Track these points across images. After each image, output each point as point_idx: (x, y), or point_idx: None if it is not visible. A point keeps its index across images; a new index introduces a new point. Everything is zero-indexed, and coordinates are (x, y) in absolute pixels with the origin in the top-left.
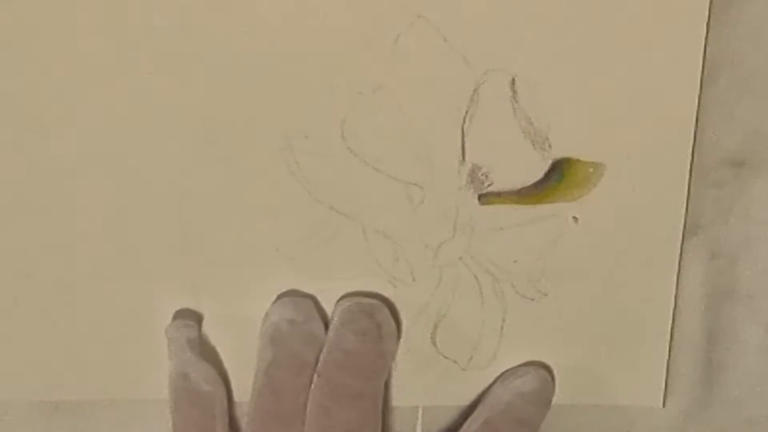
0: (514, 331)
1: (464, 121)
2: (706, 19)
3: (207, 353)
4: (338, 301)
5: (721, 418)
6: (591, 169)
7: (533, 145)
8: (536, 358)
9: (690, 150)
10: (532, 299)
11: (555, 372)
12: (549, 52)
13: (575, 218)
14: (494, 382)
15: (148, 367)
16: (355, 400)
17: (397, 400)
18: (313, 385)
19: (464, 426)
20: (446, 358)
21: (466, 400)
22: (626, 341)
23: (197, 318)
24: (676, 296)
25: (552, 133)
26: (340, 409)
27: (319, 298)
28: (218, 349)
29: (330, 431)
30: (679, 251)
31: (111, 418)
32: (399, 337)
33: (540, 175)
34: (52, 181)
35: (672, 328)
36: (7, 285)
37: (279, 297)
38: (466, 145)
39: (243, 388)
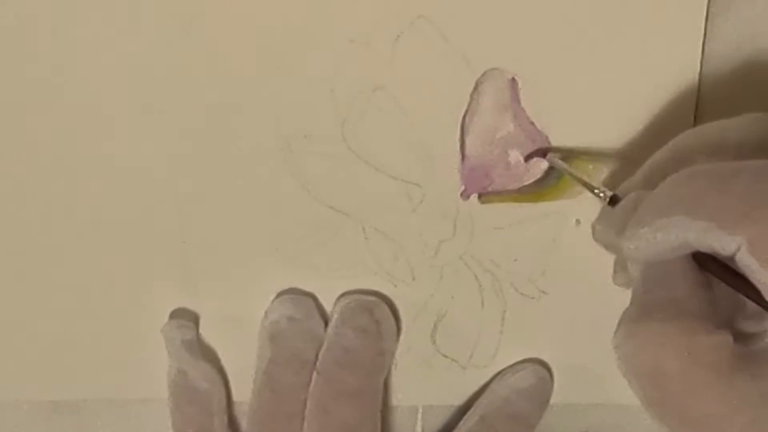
0: (514, 329)
1: (464, 121)
2: (705, 20)
3: (206, 352)
4: (338, 298)
5: None
6: (590, 167)
7: (533, 143)
8: (536, 356)
9: None
10: (533, 298)
11: (555, 371)
12: (549, 52)
13: (578, 221)
14: (493, 378)
15: (148, 367)
16: (353, 398)
17: (397, 399)
18: (312, 383)
19: (461, 422)
20: (446, 356)
21: (466, 399)
22: None
23: (194, 317)
24: None
25: (552, 132)
26: (339, 407)
27: (320, 297)
28: (218, 348)
29: (329, 429)
30: None
31: (111, 418)
32: (399, 335)
33: (540, 173)
34: (50, 181)
35: None
36: (7, 285)
37: (279, 295)
38: (466, 145)
39: (243, 388)
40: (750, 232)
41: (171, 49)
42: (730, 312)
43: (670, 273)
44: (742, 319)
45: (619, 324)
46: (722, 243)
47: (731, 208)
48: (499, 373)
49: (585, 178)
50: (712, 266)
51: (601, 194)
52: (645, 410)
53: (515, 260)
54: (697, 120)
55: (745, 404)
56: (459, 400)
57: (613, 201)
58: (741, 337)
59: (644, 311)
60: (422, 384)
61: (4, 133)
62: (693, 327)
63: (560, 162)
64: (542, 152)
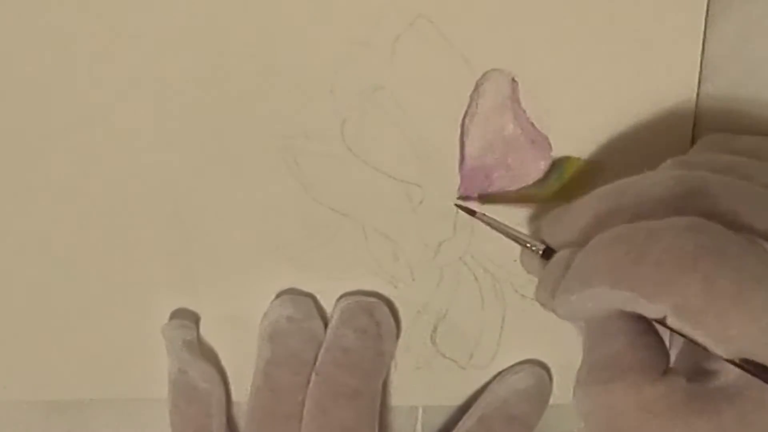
0: (514, 330)
1: (464, 121)
2: (704, 20)
3: (206, 352)
4: (338, 299)
5: None
6: (591, 168)
7: (533, 144)
8: (536, 357)
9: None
10: (532, 299)
11: (555, 371)
12: (549, 52)
13: None
14: (492, 379)
15: (148, 367)
16: (352, 399)
17: (397, 399)
18: (311, 384)
19: (460, 423)
20: (446, 357)
21: (465, 400)
22: None
23: (194, 317)
24: None
25: (552, 133)
26: (337, 407)
27: (320, 298)
28: (217, 348)
29: (327, 430)
30: None
31: (111, 418)
32: (398, 336)
33: (540, 174)
34: (50, 182)
35: None
36: (7, 285)
37: (278, 295)
38: (466, 145)
39: (242, 388)
40: (672, 300)
41: (170, 49)
42: (689, 349)
43: (609, 326)
44: (700, 356)
45: (575, 384)
46: (648, 311)
47: (649, 278)
48: (498, 373)
49: (514, 232)
50: None
51: (533, 248)
52: None
53: (515, 261)
54: (696, 119)
55: None
56: (459, 401)
57: (547, 254)
58: (702, 373)
59: (590, 372)
60: (422, 384)
61: (4, 134)
62: (637, 382)
63: (489, 218)
64: (471, 211)
